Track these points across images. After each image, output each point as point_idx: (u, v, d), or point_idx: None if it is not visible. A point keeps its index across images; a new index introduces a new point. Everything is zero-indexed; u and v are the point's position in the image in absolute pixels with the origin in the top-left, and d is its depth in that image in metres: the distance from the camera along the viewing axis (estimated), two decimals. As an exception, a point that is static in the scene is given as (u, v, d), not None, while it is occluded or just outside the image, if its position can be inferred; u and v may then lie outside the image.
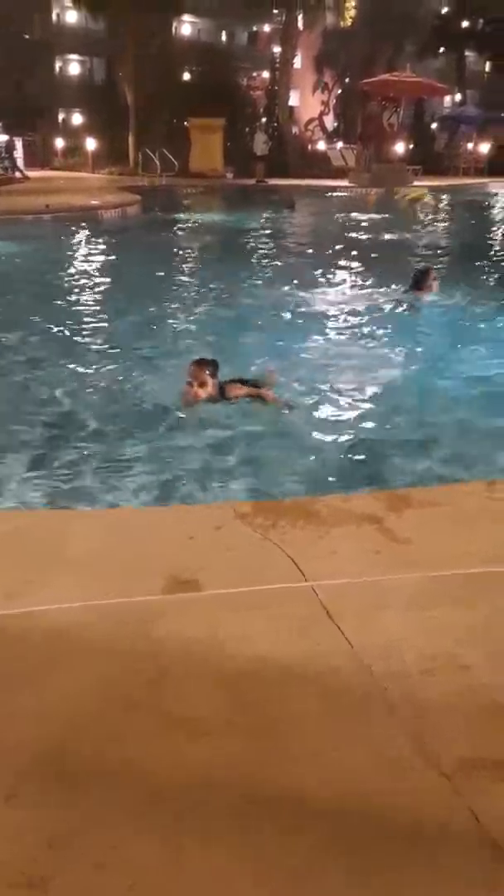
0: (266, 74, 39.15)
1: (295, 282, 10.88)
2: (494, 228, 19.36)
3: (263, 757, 2.08)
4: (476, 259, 13.57)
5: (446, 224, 20.75)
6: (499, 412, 5.78)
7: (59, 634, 2.56)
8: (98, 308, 9.47)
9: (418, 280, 9.47)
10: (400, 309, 9.12)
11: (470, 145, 36.49)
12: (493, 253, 14.98)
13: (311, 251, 14.47)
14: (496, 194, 27.73)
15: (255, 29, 44.85)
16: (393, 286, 10.18)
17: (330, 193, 26.22)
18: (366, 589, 2.84)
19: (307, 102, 42.42)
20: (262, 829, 1.87)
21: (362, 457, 5.05)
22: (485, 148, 35.79)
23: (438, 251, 14.95)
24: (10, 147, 26.51)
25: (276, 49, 38.28)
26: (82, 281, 11.29)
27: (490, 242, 16.70)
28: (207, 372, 5.49)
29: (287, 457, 4.99)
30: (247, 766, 2.05)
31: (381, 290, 10.27)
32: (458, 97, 42.89)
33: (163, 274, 11.79)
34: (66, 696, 2.28)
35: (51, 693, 2.30)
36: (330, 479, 4.72)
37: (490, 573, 2.96)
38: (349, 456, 5.07)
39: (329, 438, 5.34)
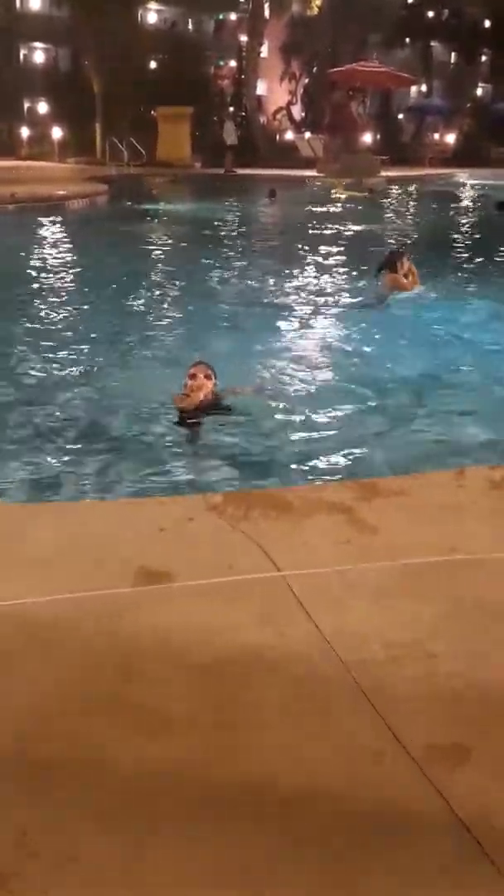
0: (233, 63, 38.99)
1: (266, 273, 10.87)
2: (460, 218, 19.48)
3: (232, 750, 2.08)
4: (443, 249, 13.66)
5: (414, 214, 20.86)
6: (465, 402, 5.84)
7: (26, 629, 2.53)
8: (66, 300, 9.39)
9: (390, 263, 9.16)
10: (369, 300, 9.13)
11: (436, 135, 36.72)
12: (459, 243, 15.08)
13: (283, 242, 14.45)
14: (462, 184, 27.94)
15: (221, 17, 44.59)
16: (363, 277, 10.22)
17: (299, 183, 26.14)
18: (337, 578, 2.85)
19: (274, 92, 42.31)
20: (230, 824, 1.87)
21: (332, 446, 5.07)
22: (450, 138, 36.04)
23: (406, 240, 15.02)
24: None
25: (243, 38, 38.09)
26: (49, 272, 11.18)
27: (456, 232, 16.80)
28: (210, 371, 5.35)
29: (260, 448, 4.99)
30: (215, 759, 2.05)
31: (352, 281, 10.30)
32: (423, 88, 43.03)
33: (132, 265, 11.72)
34: (32, 691, 2.27)
35: (16, 688, 2.28)
36: (301, 469, 4.73)
37: (456, 561, 2.99)
38: (319, 446, 5.08)
39: (300, 429, 5.35)
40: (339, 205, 20.90)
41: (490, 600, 2.76)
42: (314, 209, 19.70)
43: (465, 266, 12.20)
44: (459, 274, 11.43)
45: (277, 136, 37.28)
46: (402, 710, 2.22)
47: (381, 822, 1.89)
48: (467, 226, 17.92)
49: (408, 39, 41.40)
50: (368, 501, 3.44)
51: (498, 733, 2.16)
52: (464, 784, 1.99)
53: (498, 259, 12.53)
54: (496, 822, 1.87)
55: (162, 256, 13.33)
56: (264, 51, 38.40)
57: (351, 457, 4.90)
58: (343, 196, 22.49)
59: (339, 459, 4.88)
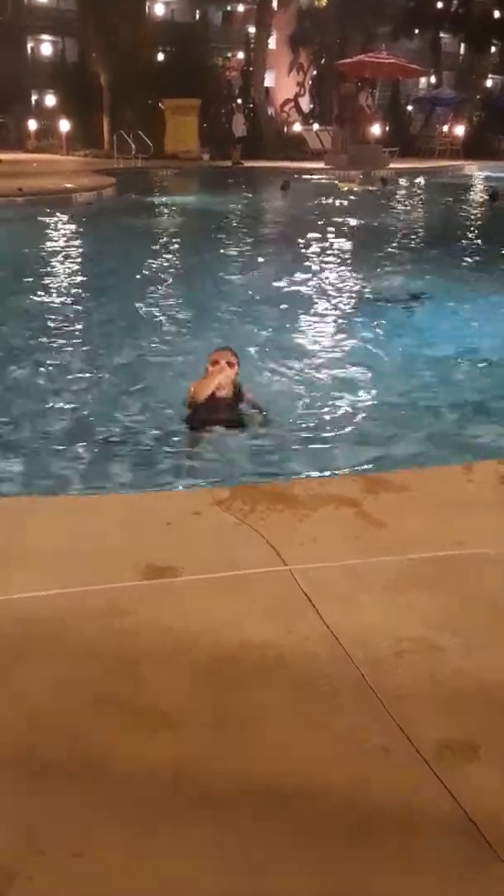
0: (241, 55, 38.82)
1: (278, 266, 10.83)
2: (466, 210, 19.35)
3: (238, 745, 2.07)
4: (452, 244, 13.57)
5: (423, 207, 20.75)
6: (471, 398, 5.79)
7: (32, 623, 2.53)
8: (73, 293, 9.37)
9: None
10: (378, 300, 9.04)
11: (445, 127, 36.49)
12: (464, 237, 14.98)
13: (290, 236, 14.34)
14: (471, 176, 27.79)
15: (229, 9, 44.41)
16: (373, 271, 10.16)
17: (308, 176, 26.00)
18: (344, 573, 2.84)
19: (282, 83, 42.13)
20: (236, 820, 1.86)
21: (340, 441, 5.04)
22: (460, 130, 35.82)
23: (416, 235, 14.94)
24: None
25: (251, 29, 37.91)
26: (57, 266, 11.17)
27: (461, 225, 16.69)
28: (234, 358, 5.12)
29: (268, 443, 4.95)
30: (221, 755, 2.03)
31: (362, 275, 10.25)
32: (433, 79, 42.77)
33: (139, 258, 11.68)
34: (36, 686, 2.26)
35: (20, 684, 2.27)
36: (308, 464, 4.71)
37: (465, 555, 2.97)
38: (327, 440, 5.06)
39: (307, 425, 5.32)
40: (352, 197, 20.81)
41: (498, 595, 2.74)
42: (327, 201, 19.61)
43: (469, 260, 12.12)
44: (468, 268, 11.36)
45: (285, 128, 37.11)
46: (410, 705, 2.20)
47: (388, 819, 1.88)
48: (471, 218, 17.81)
49: (417, 30, 41.10)
50: (376, 495, 3.42)
51: (506, 730, 2.14)
52: (472, 781, 1.97)
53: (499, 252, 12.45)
54: (504, 820, 1.86)
55: (170, 250, 13.27)
56: (272, 42, 38.22)
57: (359, 452, 4.87)
58: (356, 188, 22.38)
59: (347, 455, 4.84)
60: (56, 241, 13.43)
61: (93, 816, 1.86)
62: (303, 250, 12.29)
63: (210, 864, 1.74)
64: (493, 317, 8.35)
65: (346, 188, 22.57)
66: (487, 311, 8.55)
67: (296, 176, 24.74)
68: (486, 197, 19.26)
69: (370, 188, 22.90)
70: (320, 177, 25.98)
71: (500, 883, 1.71)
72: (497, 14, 38.77)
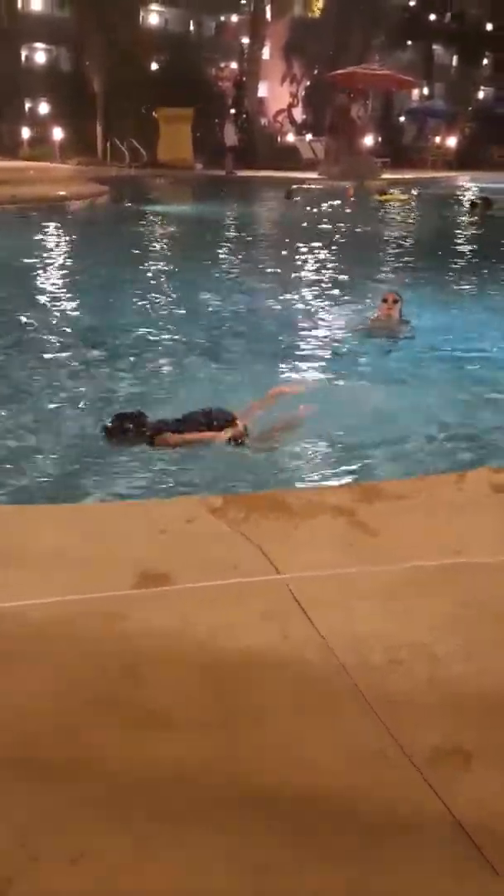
0: (235, 65, 39.02)
1: (269, 278, 10.85)
2: (463, 221, 19.48)
3: (232, 752, 2.07)
4: (444, 256, 13.65)
5: (415, 219, 20.86)
6: (462, 410, 5.82)
7: (27, 630, 2.53)
8: (65, 303, 9.38)
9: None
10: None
11: (437, 138, 36.79)
12: (453, 246, 15.06)
13: (283, 248, 14.37)
14: (462, 187, 27.97)
15: (223, 19, 44.60)
16: (362, 290, 10.20)
17: (310, 185, 26.06)
18: (338, 581, 2.85)
19: (276, 94, 42.32)
20: (230, 825, 1.86)
21: (332, 452, 5.06)
22: (452, 141, 36.11)
23: (407, 248, 15.02)
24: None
25: (245, 40, 38.14)
26: (49, 274, 11.17)
27: (449, 234, 16.78)
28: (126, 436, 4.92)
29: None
30: (216, 761, 2.04)
31: (351, 293, 10.27)
32: (425, 90, 43.09)
33: (131, 268, 11.70)
34: (33, 693, 2.26)
35: (17, 690, 2.27)
36: (301, 473, 4.72)
37: (459, 564, 2.99)
38: (319, 451, 5.07)
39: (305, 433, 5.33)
40: (362, 208, 20.95)
41: (493, 604, 2.75)
42: (328, 211, 19.69)
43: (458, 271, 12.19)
44: (460, 280, 11.42)
45: (278, 138, 37.30)
46: (402, 713, 2.21)
47: (379, 826, 1.88)
48: (453, 227, 17.95)
49: (409, 42, 41.44)
50: (370, 504, 3.43)
51: (500, 738, 2.15)
52: (464, 789, 1.98)
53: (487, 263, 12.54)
54: (496, 828, 1.87)
55: (164, 260, 13.30)
56: (266, 53, 38.44)
57: (353, 465, 4.88)
58: (379, 199, 22.52)
59: (341, 466, 4.85)
60: (48, 248, 13.45)
61: (93, 817, 1.86)
62: (299, 260, 12.33)
63: (210, 865, 1.74)
64: (483, 327, 8.39)
65: (385, 197, 22.51)
66: (478, 321, 8.59)
67: (294, 186, 24.86)
68: (466, 207, 19.90)
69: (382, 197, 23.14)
70: (320, 185, 26.07)
71: (490, 890, 1.72)
72: (489, 26, 39.16)
